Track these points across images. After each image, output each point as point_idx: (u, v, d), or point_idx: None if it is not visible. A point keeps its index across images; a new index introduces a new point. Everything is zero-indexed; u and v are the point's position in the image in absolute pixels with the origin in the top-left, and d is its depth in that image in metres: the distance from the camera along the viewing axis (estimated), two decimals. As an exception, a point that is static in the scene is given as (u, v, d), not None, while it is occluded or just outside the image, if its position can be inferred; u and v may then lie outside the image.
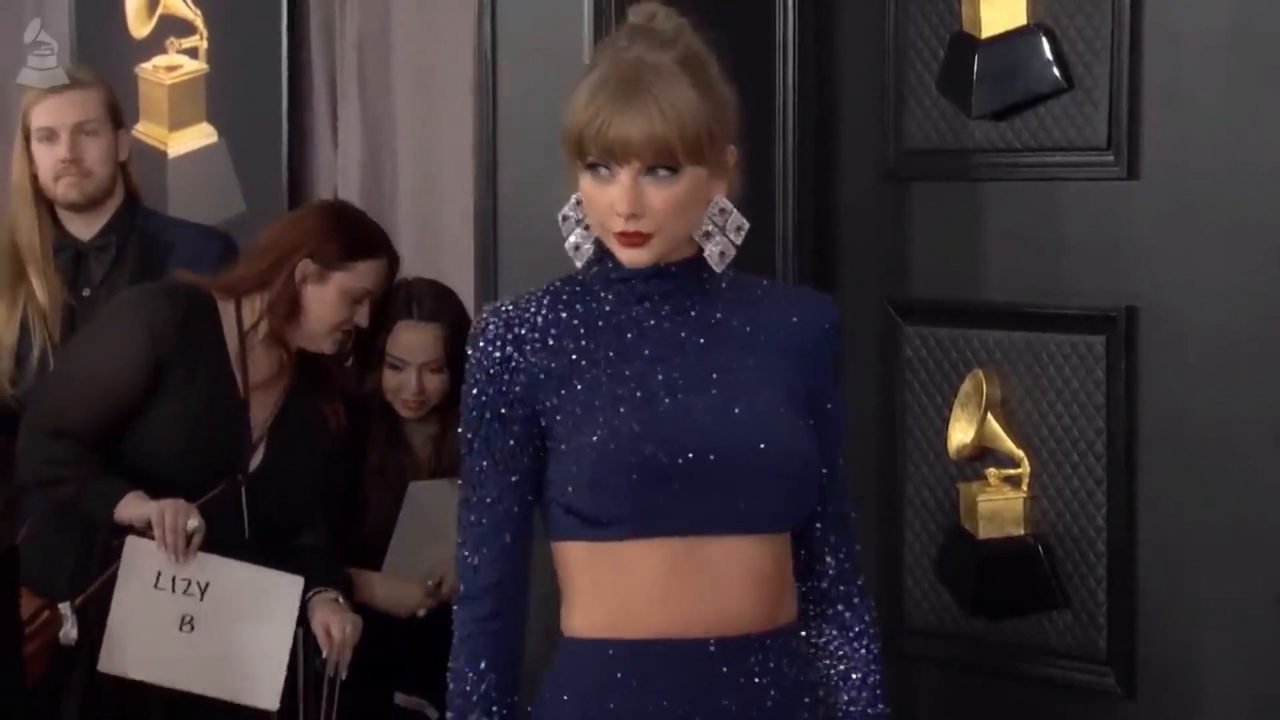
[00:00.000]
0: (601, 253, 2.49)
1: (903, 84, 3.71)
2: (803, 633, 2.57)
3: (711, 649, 2.44)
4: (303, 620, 3.83)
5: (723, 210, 2.48)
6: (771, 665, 2.48)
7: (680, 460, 2.41)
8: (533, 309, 2.49)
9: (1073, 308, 3.46)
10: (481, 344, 2.47)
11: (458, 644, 2.51)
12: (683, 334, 2.50)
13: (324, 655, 3.80)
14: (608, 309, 2.50)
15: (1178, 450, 3.37)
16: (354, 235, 3.88)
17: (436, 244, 4.68)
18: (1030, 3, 3.52)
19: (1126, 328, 3.42)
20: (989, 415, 3.56)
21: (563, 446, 2.44)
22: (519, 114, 3.75)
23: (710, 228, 2.48)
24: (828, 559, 2.58)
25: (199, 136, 5.40)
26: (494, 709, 2.50)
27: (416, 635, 4.09)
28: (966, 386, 3.62)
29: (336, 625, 3.80)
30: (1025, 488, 3.51)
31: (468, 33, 4.01)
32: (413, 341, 4.09)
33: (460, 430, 2.50)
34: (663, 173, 2.41)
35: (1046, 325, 3.50)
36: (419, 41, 4.92)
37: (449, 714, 2.53)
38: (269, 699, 3.74)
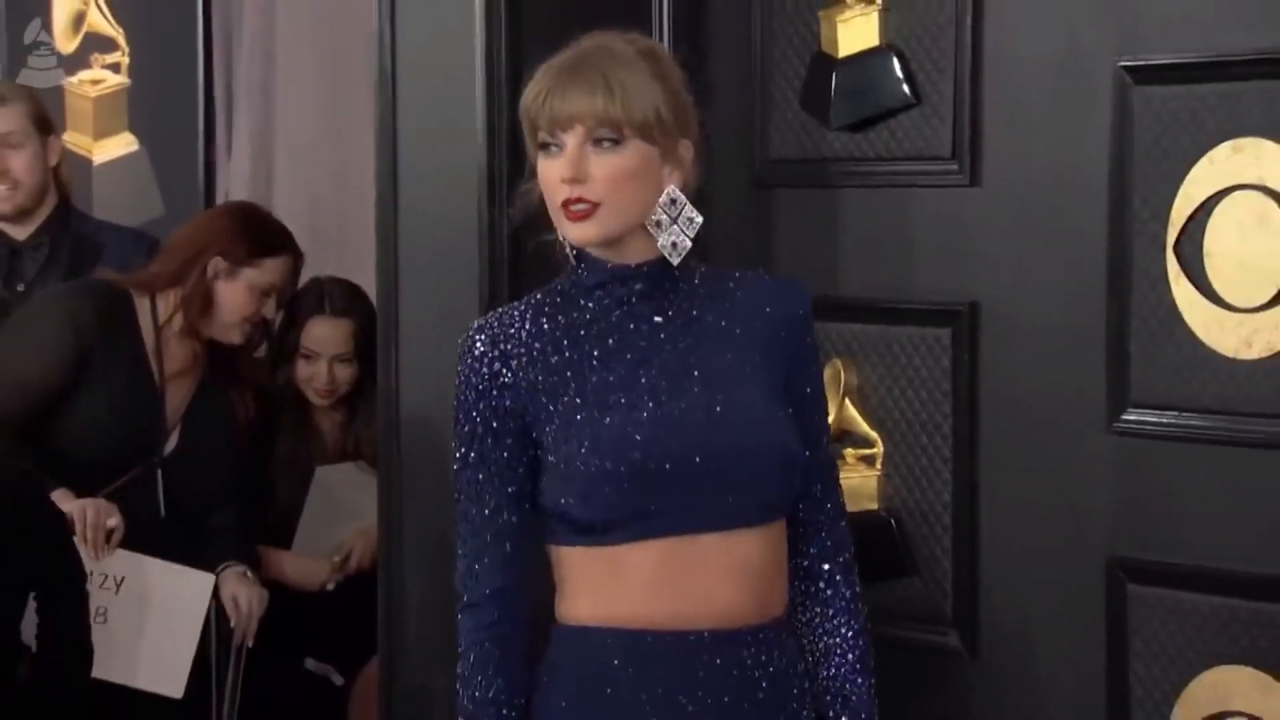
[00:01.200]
0: (578, 259, 2.45)
1: (768, 99, 3.68)
2: (794, 609, 2.55)
3: (705, 640, 2.40)
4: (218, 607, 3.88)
5: (674, 201, 2.42)
6: (763, 658, 2.44)
7: (668, 465, 2.36)
8: (517, 323, 2.44)
9: (921, 303, 3.47)
10: (470, 360, 2.42)
11: (464, 651, 2.46)
12: (662, 335, 2.45)
13: (232, 624, 3.87)
14: (588, 317, 2.44)
15: (1015, 433, 3.37)
16: (260, 234, 3.95)
17: (322, 244, 4.70)
18: (882, 26, 3.51)
19: (970, 321, 3.42)
20: (846, 400, 3.57)
21: (552, 458, 2.39)
22: (418, 116, 3.73)
23: (661, 217, 2.42)
24: (811, 538, 2.55)
25: (121, 145, 5.44)
26: (504, 712, 2.45)
27: (326, 608, 4.17)
28: (826, 374, 3.51)
29: (244, 597, 3.87)
30: (879, 466, 3.51)
31: (357, 40, 4.03)
32: (324, 335, 4.19)
33: (454, 445, 2.43)
34: (606, 143, 2.36)
35: (898, 319, 3.50)
36: (308, 48, 4.94)
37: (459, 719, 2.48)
38: (174, 688, 3.79)
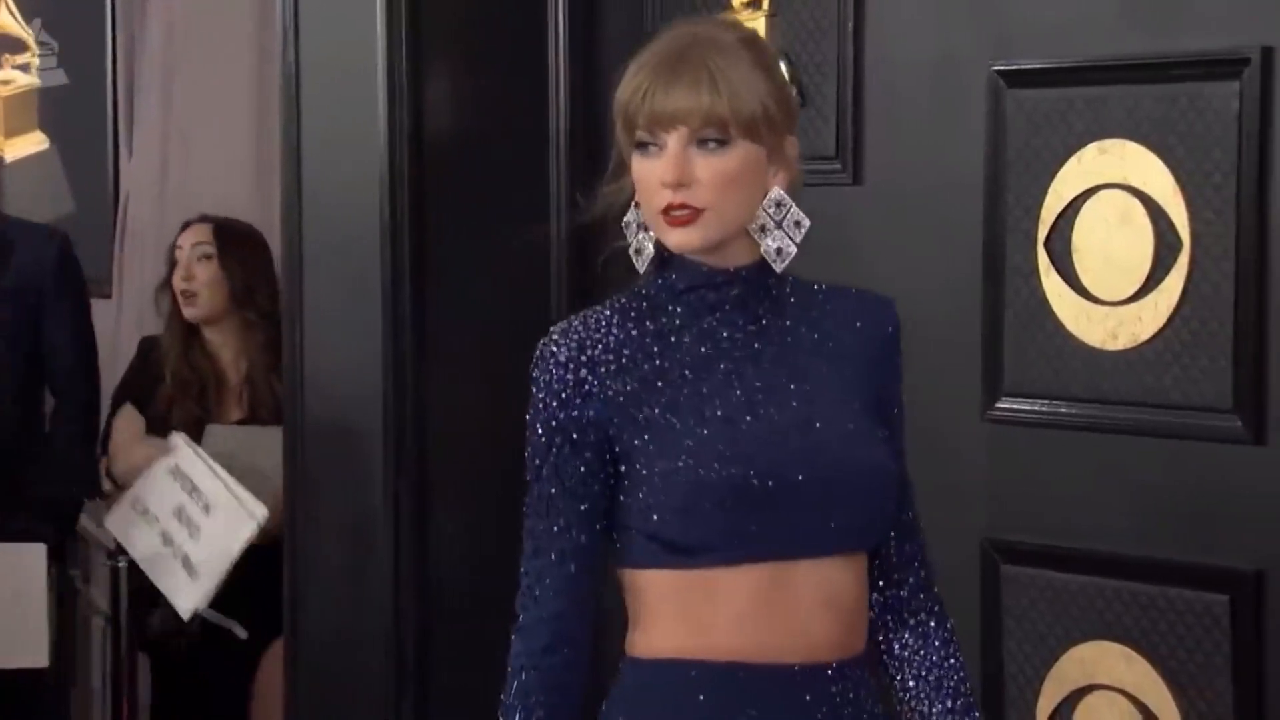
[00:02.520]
0: (664, 262, 2.19)
1: None
2: (880, 642, 2.30)
3: (795, 674, 2.15)
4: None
5: (779, 203, 2.17)
6: (850, 694, 2.19)
7: (770, 483, 2.12)
8: (603, 328, 2.17)
9: None
10: (552, 367, 2.15)
11: (509, 676, 2.20)
12: (756, 345, 2.20)
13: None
14: (678, 323, 2.18)
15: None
16: None
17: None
18: (770, 31, 3.50)
19: None
20: None
21: (644, 472, 2.13)
22: (322, 115, 3.77)
23: (766, 221, 2.17)
24: (907, 568, 2.30)
25: (32, 143, 5.44)
26: None
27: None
28: None
29: None
30: None
31: (264, 41, 4.06)
32: (187, 237, 4.37)
33: (527, 456, 2.18)
34: (712, 144, 2.10)
35: None
36: (211, 47, 4.94)
37: None
38: (39, 657, 3.85)
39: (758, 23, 3.48)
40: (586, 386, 2.14)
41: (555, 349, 2.16)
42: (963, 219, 3.27)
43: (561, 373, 2.14)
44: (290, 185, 3.80)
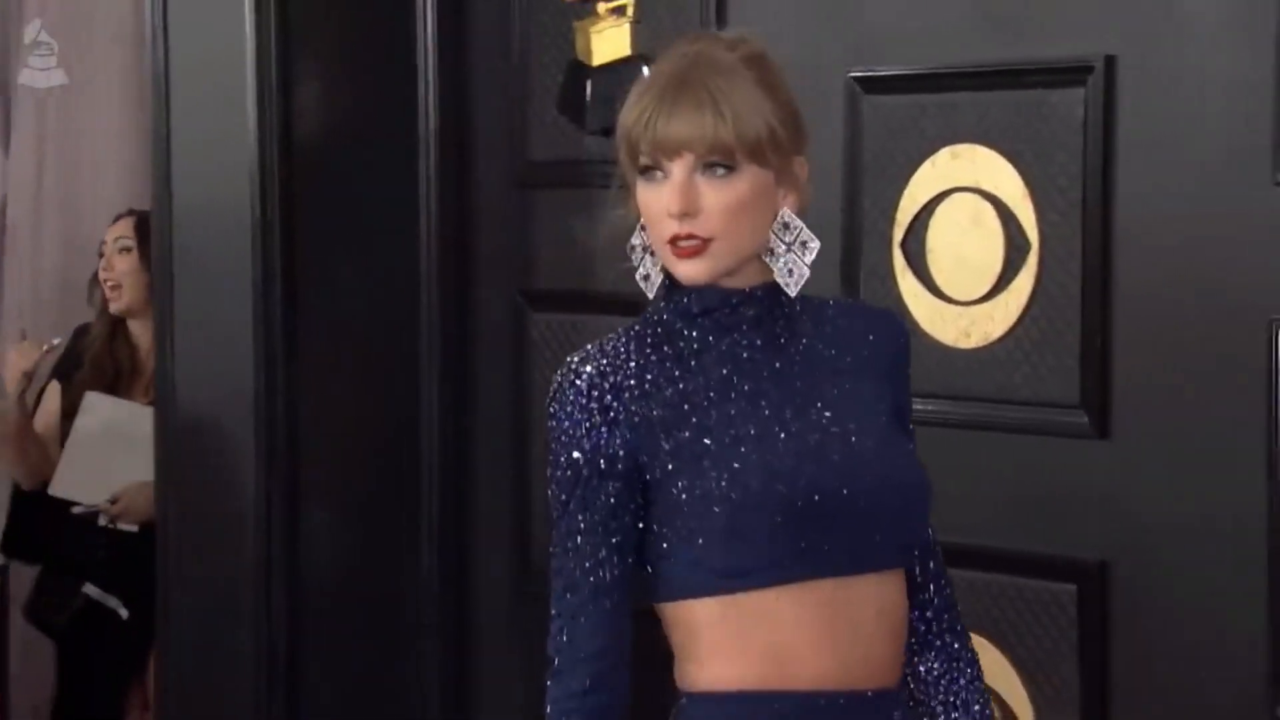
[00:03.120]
0: (675, 285, 2.12)
1: (527, 105, 3.76)
2: (904, 663, 2.20)
3: (869, 700, 2.08)
4: None
5: (788, 225, 2.09)
6: (903, 718, 2.14)
7: (816, 497, 2.04)
8: (623, 354, 2.09)
9: None
10: (572, 396, 2.06)
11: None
12: (777, 364, 2.12)
13: None
14: (696, 346, 2.10)
15: None
16: None
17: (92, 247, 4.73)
18: (633, 37, 3.57)
19: None
20: None
21: (683, 496, 2.04)
22: (191, 117, 3.77)
23: (776, 244, 2.09)
24: (931, 587, 2.22)
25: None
26: None
27: (114, 540, 4.32)
28: None
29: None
30: None
31: (129, 41, 4.06)
32: (112, 230, 4.48)
33: (552, 492, 2.09)
34: (719, 170, 2.03)
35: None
36: (87, 50, 4.95)
37: None
38: None
39: (622, 29, 3.57)
40: (612, 414, 2.05)
41: (576, 378, 2.07)
42: (821, 221, 3.11)
43: (585, 401, 2.05)
44: (161, 185, 3.80)
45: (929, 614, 2.23)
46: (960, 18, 3.13)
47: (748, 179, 2.04)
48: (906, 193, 3.21)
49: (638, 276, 2.15)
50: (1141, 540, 3.00)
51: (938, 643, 2.22)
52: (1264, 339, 2.87)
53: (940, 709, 2.22)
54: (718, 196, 2.03)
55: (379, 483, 3.90)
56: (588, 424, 2.05)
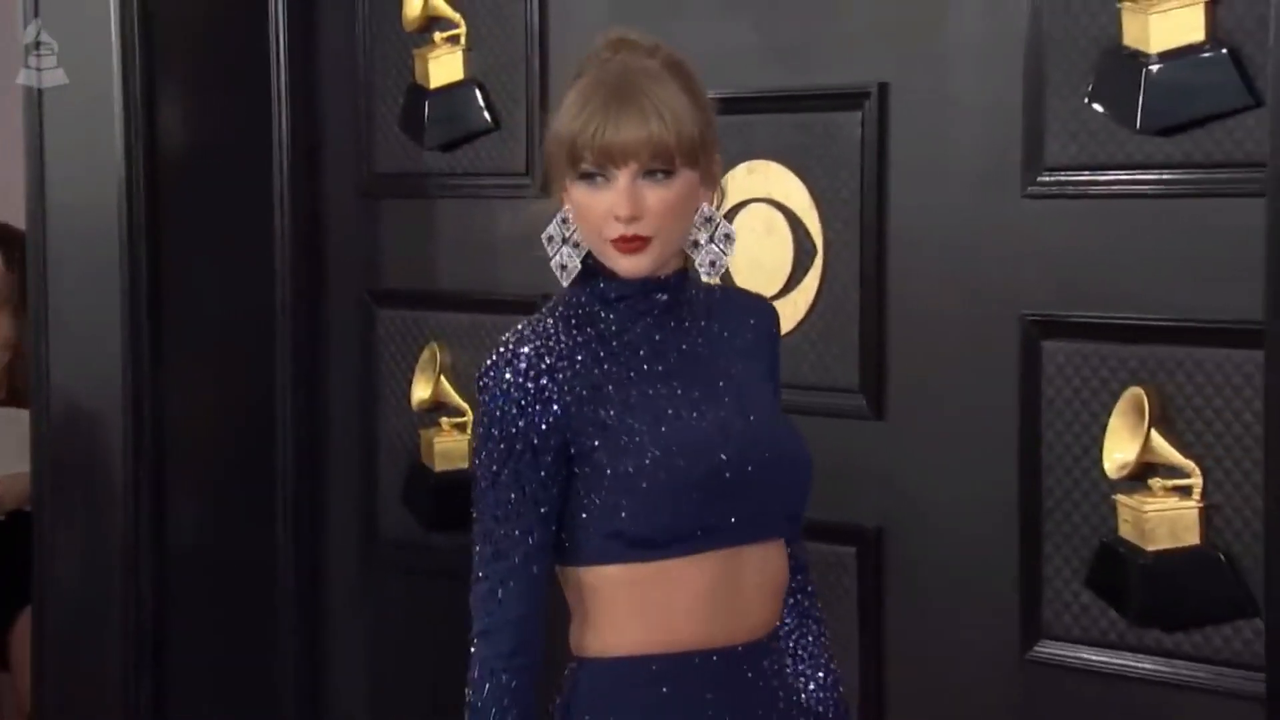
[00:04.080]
0: (589, 272, 2.13)
1: (371, 123, 3.80)
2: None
3: (739, 653, 2.12)
4: None
5: (709, 219, 2.12)
6: (775, 667, 2.18)
7: (727, 474, 2.07)
8: (554, 335, 2.09)
9: (503, 293, 3.57)
10: (509, 375, 2.04)
11: (477, 679, 2.07)
12: (684, 346, 2.14)
13: None
14: (614, 328, 2.11)
15: None
16: None
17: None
18: (466, 63, 3.63)
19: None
20: (441, 378, 3.71)
21: (607, 471, 2.05)
22: (63, 134, 3.79)
23: (699, 236, 2.11)
24: (791, 550, 2.24)
25: None
26: None
27: None
28: (424, 356, 3.75)
29: None
30: (470, 433, 3.61)
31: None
32: None
33: (480, 462, 2.07)
34: (659, 175, 2.04)
35: (485, 308, 3.61)
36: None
37: None
38: None
39: (455, 56, 3.62)
40: (546, 393, 2.04)
41: (514, 358, 2.06)
42: None
43: (521, 380, 2.04)
44: (35, 195, 3.79)
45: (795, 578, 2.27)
46: (753, 49, 3.19)
47: (682, 180, 2.06)
48: (708, 203, 3.33)
49: (554, 265, 2.14)
50: (913, 509, 3.09)
51: (790, 600, 2.25)
52: (1015, 332, 2.98)
53: (790, 660, 2.26)
54: (659, 198, 2.04)
55: (239, 465, 3.91)
56: (523, 402, 2.04)
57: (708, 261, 2.11)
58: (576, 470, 2.07)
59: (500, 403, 2.05)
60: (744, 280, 3.18)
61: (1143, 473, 2.92)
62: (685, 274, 2.14)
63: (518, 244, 3.54)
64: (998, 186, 3.01)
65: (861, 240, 3.12)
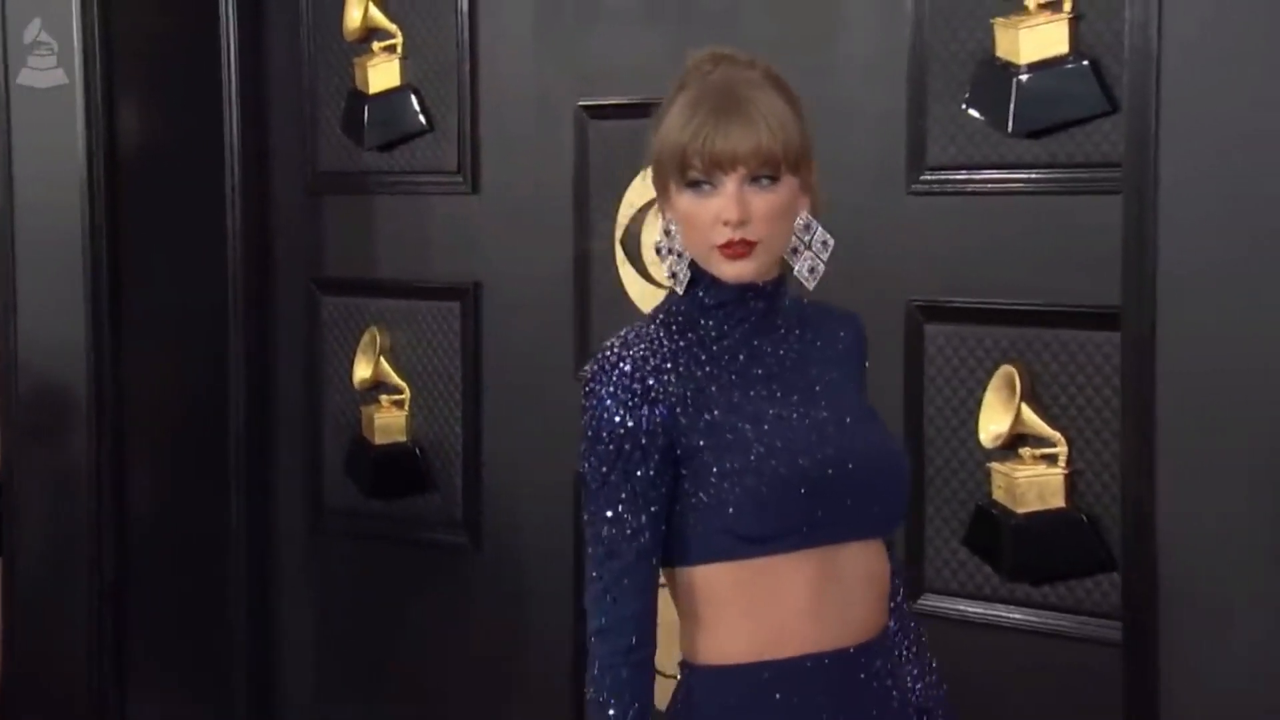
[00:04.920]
0: (691, 280, 2.07)
1: (316, 126, 3.85)
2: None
3: (850, 655, 2.06)
4: None
5: (808, 226, 2.07)
6: (889, 667, 2.12)
7: (830, 471, 2.02)
8: (657, 339, 2.05)
9: (438, 282, 3.66)
10: (615, 377, 2.00)
11: (597, 676, 2.02)
12: (780, 352, 2.10)
13: None
14: (714, 334, 2.07)
15: (511, 382, 3.57)
16: None
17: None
18: (403, 70, 3.67)
19: (474, 297, 3.61)
20: (381, 359, 3.77)
21: (715, 469, 2.00)
22: (29, 138, 3.80)
23: (797, 244, 2.07)
24: (890, 554, 2.18)
25: None
26: None
27: None
28: (365, 339, 3.80)
29: None
30: (407, 409, 3.73)
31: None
32: None
33: (590, 465, 2.02)
34: (765, 181, 2.00)
35: (420, 295, 3.70)
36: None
37: None
38: None
39: (393, 64, 3.66)
40: (653, 394, 2.00)
41: (620, 360, 2.02)
42: (558, 222, 3.52)
43: (628, 381, 2.00)
44: (2, 193, 3.81)
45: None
46: (666, 57, 2.92)
47: (786, 188, 2.02)
48: (625, 199, 3.39)
49: (665, 275, 2.09)
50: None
51: (890, 605, 2.19)
52: (902, 315, 3.10)
53: (900, 660, 2.21)
54: (765, 204, 2.00)
55: (194, 439, 3.94)
56: (630, 402, 2.00)
57: (806, 269, 2.08)
58: (684, 470, 2.03)
59: (608, 405, 2.01)
60: (656, 270, 3.27)
61: (1014, 443, 3.06)
62: (782, 282, 2.11)
63: (451, 237, 3.69)
64: (885, 185, 3.12)
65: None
